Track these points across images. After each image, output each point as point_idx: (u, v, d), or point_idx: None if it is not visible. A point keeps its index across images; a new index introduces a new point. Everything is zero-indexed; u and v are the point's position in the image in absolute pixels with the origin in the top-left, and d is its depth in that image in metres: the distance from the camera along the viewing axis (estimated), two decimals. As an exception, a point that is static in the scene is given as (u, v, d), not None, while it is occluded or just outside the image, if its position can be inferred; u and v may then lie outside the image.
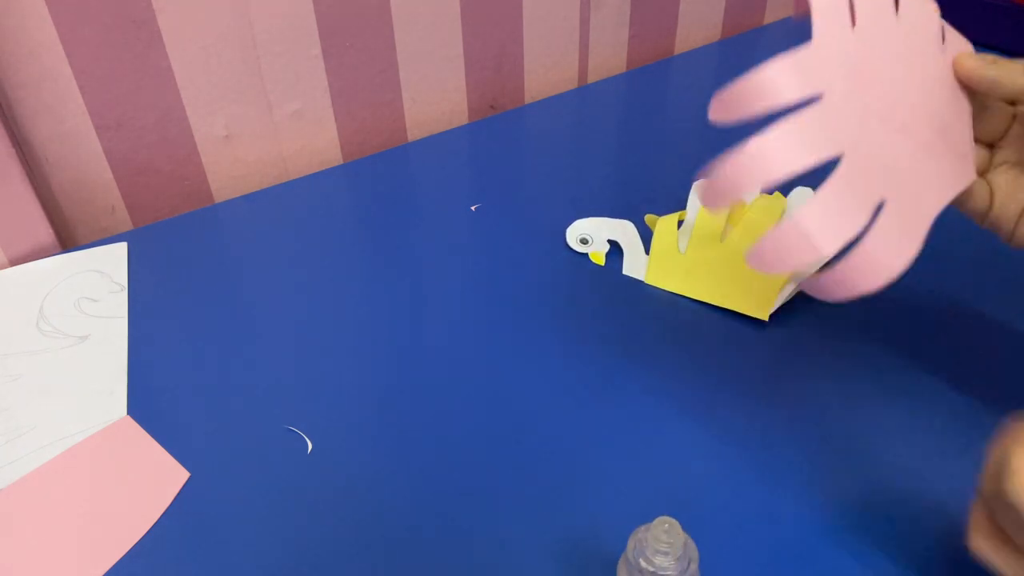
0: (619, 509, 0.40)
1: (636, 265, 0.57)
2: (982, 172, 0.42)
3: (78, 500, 0.41)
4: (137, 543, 0.39)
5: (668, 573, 0.29)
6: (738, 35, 0.98)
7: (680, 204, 0.61)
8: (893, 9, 0.39)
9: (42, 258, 0.59)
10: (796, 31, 1.09)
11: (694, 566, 0.30)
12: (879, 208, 0.34)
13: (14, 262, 0.59)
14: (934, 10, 0.40)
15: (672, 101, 0.83)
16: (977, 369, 0.47)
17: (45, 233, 0.60)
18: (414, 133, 0.79)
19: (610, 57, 0.91)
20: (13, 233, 0.58)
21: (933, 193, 0.37)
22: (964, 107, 0.41)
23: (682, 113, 0.80)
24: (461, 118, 0.81)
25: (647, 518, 0.31)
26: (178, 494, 0.41)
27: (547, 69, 0.85)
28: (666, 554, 0.29)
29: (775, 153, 0.32)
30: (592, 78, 0.90)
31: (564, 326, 0.52)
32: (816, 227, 0.32)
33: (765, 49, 0.95)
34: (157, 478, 0.42)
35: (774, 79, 0.33)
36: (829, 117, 0.34)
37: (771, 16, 1.05)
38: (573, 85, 0.89)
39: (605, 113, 0.80)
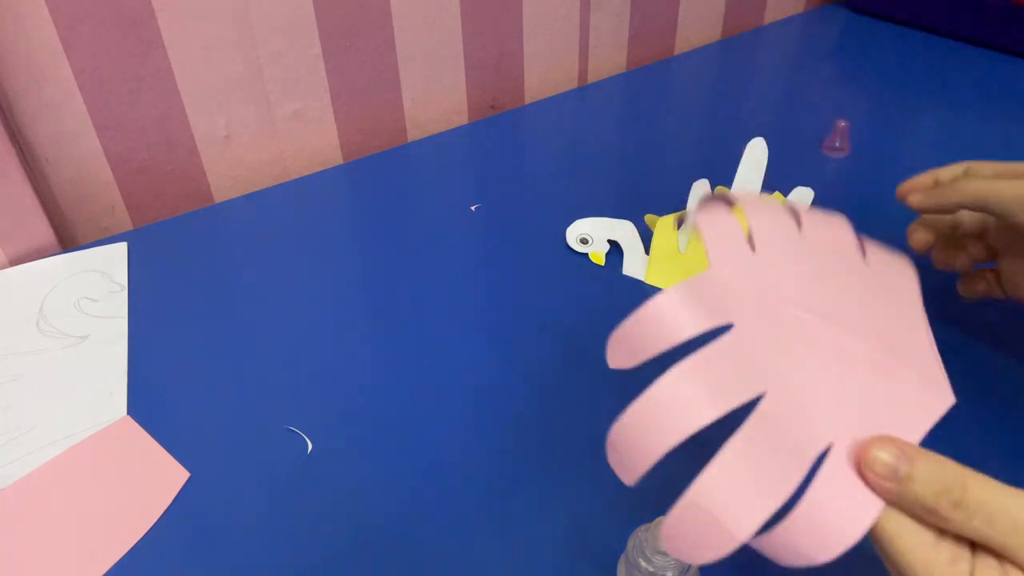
0: (619, 509, 0.40)
1: (636, 265, 0.57)
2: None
3: (78, 500, 0.41)
4: (137, 543, 0.39)
5: (668, 573, 0.29)
6: (738, 35, 0.98)
7: (680, 204, 0.61)
8: (795, 227, 0.34)
9: (42, 258, 0.59)
10: (797, 31, 1.09)
11: (694, 566, 0.30)
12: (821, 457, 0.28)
13: (14, 262, 0.59)
14: (843, 225, 0.35)
15: (672, 101, 0.83)
16: (981, 372, 0.47)
17: (45, 233, 0.60)
18: (414, 133, 0.79)
19: (610, 57, 0.91)
20: (13, 233, 0.58)
21: (904, 422, 0.29)
22: (915, 320, 0.34)
23: (682, 113, 0.80)
24: (461, 118, 0.82)
25: (647, 518, 0.31)
26: (178, 494, 0.41)
27: (547, 69, 0.85)
28: (666, 554, 0.29)
29: (671, 411, 0.28)
30: (592, 78, 0.90)
31: (564, 326, 0.52)
32: (722, 501, 0.27)
33: (765, 49, 0.95)
34: (157, 478, 0.42)
35: (667, 311, 0.29)
36: (741, 350, 0.29)
37: (771, 16, 1.05)
38: (573, 85, 0.89)
39: (605, 113, 0.80)
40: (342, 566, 0.37)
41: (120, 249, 0.60)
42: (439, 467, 0.42)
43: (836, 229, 0.35)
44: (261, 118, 0.69)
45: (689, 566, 0.30)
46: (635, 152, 0.72)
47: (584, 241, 0.59)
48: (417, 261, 0.58)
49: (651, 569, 0.30)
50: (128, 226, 0.67)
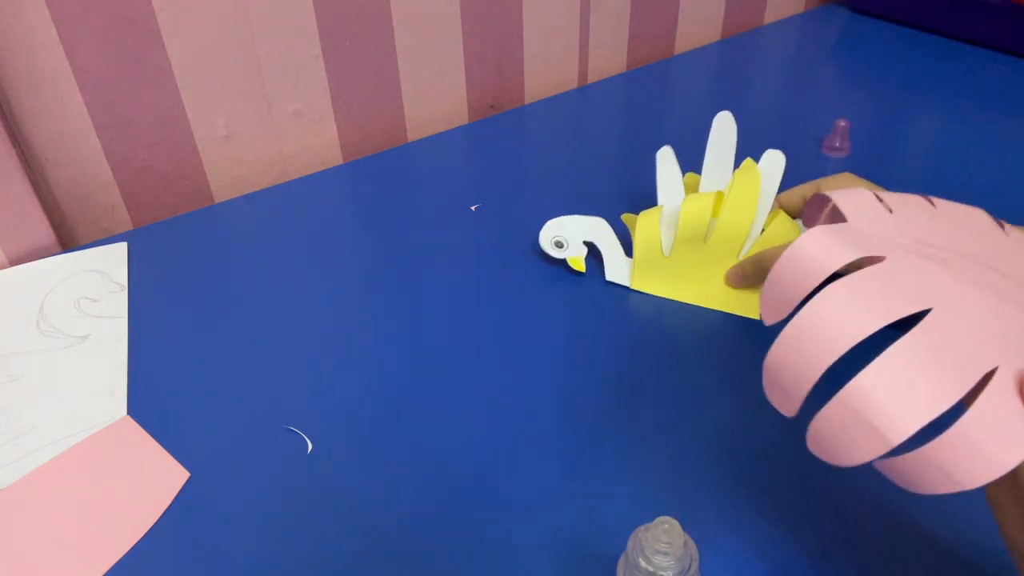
0: (619, 509, 0.40)
1: (619, 270, 0.55)
2: None
3: (78, 500, 0.41)
4: (137, 543, 0.39)
5: (668, 573, 0.29)
6: (738, 35, 0.98)
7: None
8: (928, 203, 0.35)
9: (42, 258, 0.59)
10: (797, 31, 1.08)
11: (694, 566, 0.30)
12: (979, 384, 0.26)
13: (14, 262, 0.59)
14: (976, 207, 0.36)
15: (672, 101, 0.83)
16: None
17: (45, 233, 0.60)
18: (414, 133, 0.79)
19: (610, 57, 0.91)
20: (13, 233, 0.58)
21: None
22: None
23: (682, 113, 0.80)
24: (461, 118, 0.81)
25: (647, 518, 0.31)
26: (178, 494, 0.41)
27: (547, 69, 0.85)
28: (666, 554, 0.29)
29: (841, 314, 0.27)
30: (592, 78, 0.90)
31: (564, 325, 0.52)
32: (877, 402, 0.25)
33: (765, 49, 0.95)
34: (157, 478, 0.42)
35: (814, 246, 0.28)
36: (898, 272, 0.28)
37: (771, 16, 1.05)
38: (573, 85, 0.89)
39: (605, 113, 0.80)
40: (342, 566, 0.37)
41: (120, 249, 0.60)
42: (438, 467, 0.42)
43: (969, 208, 0.35)
44: (261, 118, 0.69)
45: (689, 565, 0.30)
46: (635, 152, 0.72)
47: (559, 245, 0.55)
48: (417, 261, 0.58)
49: (651, 569, 0.29)
50: (128, 226, 0.67)
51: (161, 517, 0.40)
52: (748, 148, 0.71)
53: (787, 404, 0.28)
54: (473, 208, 0.64)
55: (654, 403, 0.46)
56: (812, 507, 0.40)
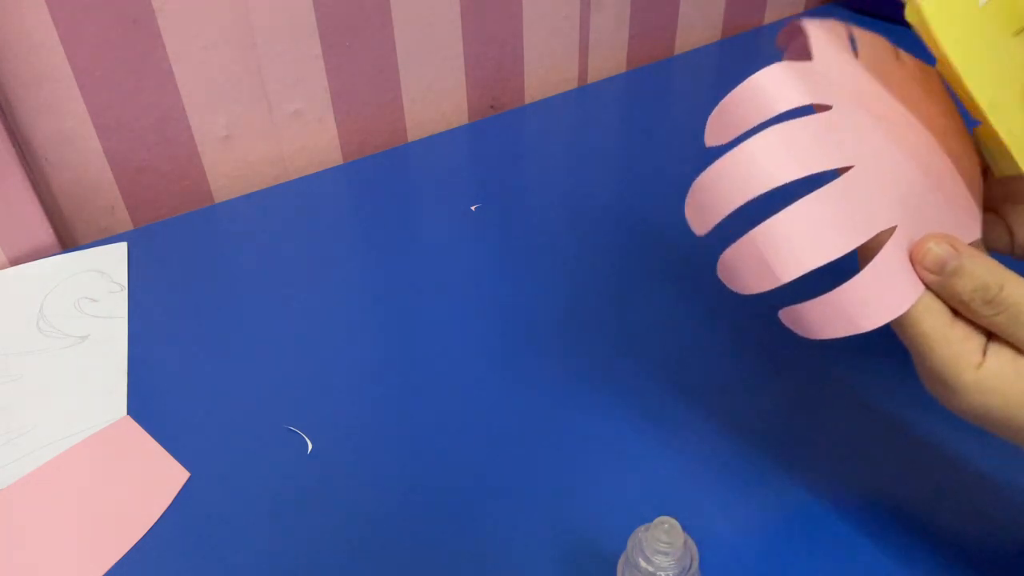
0: (619, 509, 0.40)
1: None
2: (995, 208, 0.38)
3: (78, 500, 0.41)
4: (137, 543, 0.39)
5: (668, 573, 0.29)
6: (738, 35, 0.98)
7: (679, 207, 0.61)
8: (895, 56, 0.38)
9: (42, 258, 0.59)
10: (796, 31, 1.07)
11: (695, 566, 0.30)
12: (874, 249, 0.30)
13: (14, 262, 0.59)
14: (934, 70, 0.38)
15: (672, 101, 0.83)
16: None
17: (45, 233, 0.60)
18: (414, 133, 0.79)
19: (610, 57, 0.91)
20: (13, 233, 0.58)
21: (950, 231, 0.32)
22: (975, 165, 0.37)
23: (682, 113, 0.80)
24: (461, 118, 0.81)
25: (647, 518, 0.31)
26: (178, 494, 0.41)
27: (547, 69, 0.85)
28: (666, 554, 0.29)
29: (770, 157, 0.29)
30: (592, 78, 0.90)
31: (564, 326, 0.52)
32: (775, 245, 0.28)
33: (765, 49, 0.95)
34: (157, 478, 0.42)
35: (770, 83, 0.30)
36: (838, 125, 0.30)
37: (771, 16, 1.05)
38: (573, 85, 0.89)
39: (605, 113, 0.80)
40: (342, 566, 0.38)
41: (120, 249, 0.60)
42: (438, 467, 0.42)
43: (927, 66, 0.38)
44: (261, 118, 0.69)
45: (690, 565, 0.30)
46: (635, 152, 0.72)
47: None
48: (417, 261, 0.58)
49: (651, 569, 0.29)
50: (128, 226, 0.67)
51: (161, 517, 0.40)
52: (748, 148, 0.71)
53: (701, 225, 0.31)
54: (473, 208, 0.64)
55: (654, 403, 0.46)
56: (813, 507, 0.40)
